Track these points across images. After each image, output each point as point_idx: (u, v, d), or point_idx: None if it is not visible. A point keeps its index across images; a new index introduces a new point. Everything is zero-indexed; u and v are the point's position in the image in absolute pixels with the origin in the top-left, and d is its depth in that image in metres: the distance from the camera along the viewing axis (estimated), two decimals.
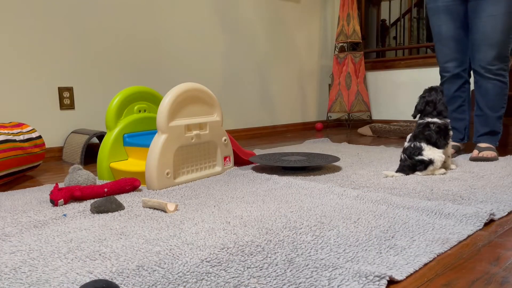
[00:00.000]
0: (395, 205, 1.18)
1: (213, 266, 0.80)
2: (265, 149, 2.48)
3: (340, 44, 3.73)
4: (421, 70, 3.52)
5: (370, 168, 1.77)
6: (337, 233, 0.97)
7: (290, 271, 0.77)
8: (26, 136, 1.76)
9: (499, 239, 0.95)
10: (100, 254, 0.87)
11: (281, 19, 3.48)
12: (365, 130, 3.24)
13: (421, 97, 1.74)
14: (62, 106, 2.31)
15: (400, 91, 3.67)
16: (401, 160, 1.65)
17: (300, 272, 0.77)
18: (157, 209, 1.21)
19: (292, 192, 1.37)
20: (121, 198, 1.36)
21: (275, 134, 3.47)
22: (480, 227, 1.01)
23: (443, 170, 1.63)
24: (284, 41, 3.53)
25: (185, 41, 2.84)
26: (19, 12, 2.14)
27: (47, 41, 2.24)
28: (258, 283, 0.73)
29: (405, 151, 1.65)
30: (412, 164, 1.61)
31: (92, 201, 1.33)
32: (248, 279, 0.74)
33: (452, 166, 1.73)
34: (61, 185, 1.59)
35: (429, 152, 1.60)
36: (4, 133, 1.66)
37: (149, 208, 1.23)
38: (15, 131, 1.74)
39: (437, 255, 0.85)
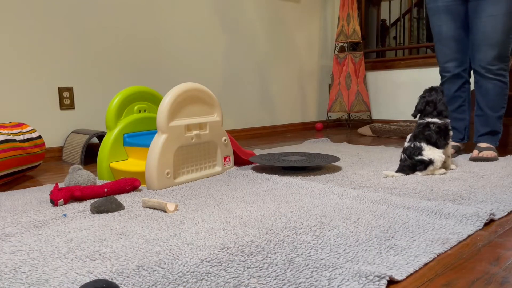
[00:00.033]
0: (395, 205, 1.18)
1: (213, 266, 0.80)
2: (265, 149, 2.48)
3: (340, 44, 3.73)
4: (421, 70, 3.52)
5: (370, 168, 1.77)
6: (337, 233, 0.97)
7: (290, 271, 0.77)
8: (26, 136, 1.76)
9: (499, 239, 0.95)
10: (100, 254, 0.87)
11: (281, 19, 3.48)
12: (365, 130, 3.24)
13: (421, 97, 1.74)
14: (62, 106, 2.31)
15: (400, 91, 3.67)
16: (401, 160, 1.65)
17: (300, 272, 0.77)
18: (157, 209, 1.21)
19: (292, 192, 1.37)
20: (121, 198, 1.36)
21: (275, 134, 3.47)
22: (480, 227, 1.01)
23: (443, 170, 1.63)
24: (284, 41, 3.53)
25: (185, 41, 2.84)
26: (19, 12, 2.14)
27: (47, 41, 2.24)
28: (258, 283, 0.73)
29: (405, 151, 1.65)
30: (412, 164, 1.61)
31: (92, 201, 1.33)
32: (248, 279, 0.74)
33: (452, 166, 1.74)
34: (61, 185, 1.59)
35: (429, 152, 1.60)
36: (4, 133, 1.66)
37: (149, 208, 1.23)
38: (15, 131, 1.74)
39: (437, 255, 0.85)
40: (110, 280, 0.74)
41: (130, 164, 1.65)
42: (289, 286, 0.72)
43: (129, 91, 1.74)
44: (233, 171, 1.72)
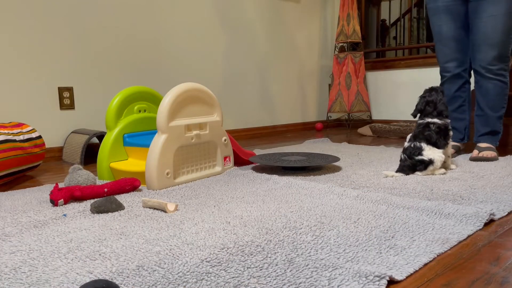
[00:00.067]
0: (395, 205, 1.18)
1: (213, 266, 0.80)
2: (265, 149, 2.48)
3: (340, 44, 3.73)
4: (421, 70, 3.52)
5: (370, 168, 1.77)
6: (337, 233, 0.97)
7: (290, 271, 0.77)
8: (26, 136, 1.76)
9: (499, 239, 0.95)
10: (100, 254, 0.87)
11: (281, 19, 3.48)
12: (365, 130, 3.24)
13: (422, 97, 1.74)
14: (62, 106, 2.31)
15: (400, 91, 3.67)
16: (401, 160, 1.65)
17: (300, 272, 0.77)
18: (157, 209, 1.21)
19: (292, 192, 1.37)
20: (121, 198, 1.36)
21: (275, 134, 3.47)
22: (480, 227, 1.01)
23: (443, 170, 1.63)
24: (284, 41, 3.53)
25: (185, 41, 2.84)
26: (19, 12, 2.14)
27: (47, 41, 2.24)
28: (258, 283, 0.73)
29: (405, 151, 1.65)
30: (412, 164, 1.61)
31: (92, 201, 1.33)
32: (248, 279, 0.74)
33: (452, 166, 1.74)
34: (61, 185, 1.59)
35: (429, 152, 1.60)
36: (4, 133, 1.66)
37: (149, 208, 1.23)
38: (15, 131, 1.74)
39: (437, 255, 0.85)
40: (110, 280, 0.74)
41: (130, 164, 1.65)
42: (289, 286, 0.72)
43: (129, 91, 1.74)
44: (233, 171, 1.72)
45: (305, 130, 3.75)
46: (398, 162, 1.70)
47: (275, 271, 0.77)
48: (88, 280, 0.75)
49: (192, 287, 0.72)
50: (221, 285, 0.73)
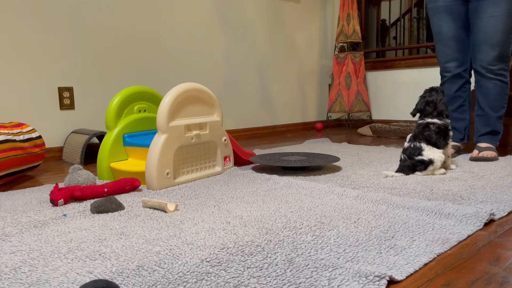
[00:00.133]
0: (395, 205, 1.18)
1: (213, 266, 0.80)
2: (265, 149, 2.48)
3: (340, 44, 3.73)
4: (421, 70, 3.52)
5: (370, 168, 1.77)
6: (337, 233, 0.97)
7: (290, 271, 0.77)
8: (26, 136, 1.76)
9: (499, 239, 0.95)
10: (100, 254, 0.87)
11: (281, 19, 3.48)
12: (365, 130, 3.24)
13: (422, 97, 1.74)
14: (62, 106, 2.31)
15: (400, 91, 3.67)
16: (401, 160, 1.65)
17: (300, 272, 0.77)
18: (157, 209, 1.21)
19: (292, 192, 1.37)
20: (121, 198, 1.36)
21: (275, 134, 3.47)
22: (480, 227, 1.01)
23: (443, 170, 1.63)
24: (284, 41, 3.53)
25: (185, 41, 2.84)
26: (19, 12, 2.14)
27: (47, 41, 2.24)
28: (258, 283, 0.73)
29: (405, 151, 1.65)
30: (412, 164, 1.61)
31: (92, 201, 1.33)
32: (248, 279, 0.74)
33: (452, 166, 1.74)
34: (61, 185, 1.59)
35: (429, 152, 1.60)
36: (4, 133, 1.66)
37: (149, 208, 1.23)
38: (15, 131, 1.74)
39: (437, 255, 0.85)
40: (110, 280, 0.74)
41: (130, 164, 1.65)
42: (289, 286, 0.72)
43: (129, 91, 1.74)
44: (233, 171, 1.72)
45: (305, 130, 3.75)
46: (398, 162, 1.70)
47: (275, 271, 0.77)
48: (88, 280, 0.75)
49: (192, 287, 0.72)
50: (221, 285, 0.73)
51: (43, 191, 1.49)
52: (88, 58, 2.39)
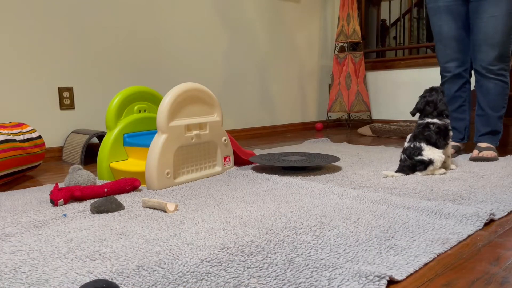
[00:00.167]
0: (395, 205, 1.18)
1: (213, 266, 0.80)
2: (265, 149, 2.48)
3: (340, 44, 3.73)
4: (421, 70, 3.52)
5: (370, 168, 1.77)
6: (337, 233, 0.97)
7: (290, 271, 0.77)
8: (26, 136, 1.76)
9: (499, 239, 0.95)
10: (100, 254, 0.87)
11: (281, 19, 3.48)
12: (365, 130, 3.24)
13: (422, 96, 1.74)
14: (62, 106, 2.31)
15: (400, 91, 3.67)
16: (401, 160, 1.65)
17: (300, 272, 0.77)
18: (157, 209, 1.21)
19: (292, 192, 1.37)
20: (121, 198, 1.36)
21: (275, 134, 3.47)
22: (480, 227, 1.01)
23: (443, 170, 1.63)
24: (284, 41, 3.53)
25: (185, 41, 2.84)
26: (19, 12, 2.14)
27: (47, 41, 2.24)
28: (258, 283, 0.73)
29: (405, 151, 1.65)
30: (412, 164, 1.61)
31: (92, 201, 1.33)
32: (248, 279, 0.74)
33: (452, 166, 1.74)
34: (61, 185, 1.59)
35: (429, 152, 1.60)
36: (4, 133, 1.66)
37: (149, 208, 1.23)
38: (15, 131, 1.74)
39: (437, 255, 0.85)
40: (110, 280, 0.74)
41: (130, 164, 1.65)
42: (289, 286, 0.72)
43: (129, 91, 1.74)
44: (233, 171, 1.71)
45: (305, 130, 3.75)
46: (398, 162, 1.70)
47: (275, 271, 0.77)
48: (88, 280, 0.75)
49: (192, 287, 0.72)
50: (221, 285, 0.73)
51: (43, 191, 1.49)
52: (88, 58, 2.39)
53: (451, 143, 1.77)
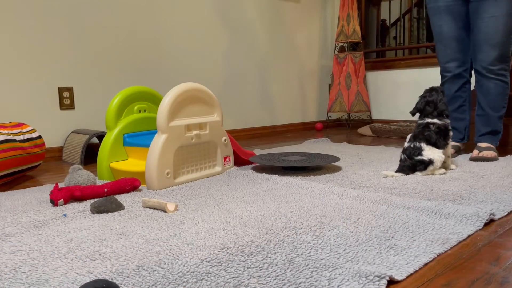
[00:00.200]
0: (395, 205, 1.18)
1: (213, 266, 0.80)
2: (265, 149, 2.48)
3: (340, 44, 3.73)
4: (421, 70, 3.52)
5: (370, 168, 1.77)
6: (337, 233, 0.97)
7: (290, 271, 0.77)
8: (26, 136, 1.76)
9: (499, 239, 0.95)
10: (100, 254, 0.87)
11: (281, 19, 3.48)
12: (365, 130, 3.24)
13: (422, 96, 1.74)
14: (62, 106, 2.31)
15: (400, 91, 3.67)
16: (401, 160, 1.65)
17: (300, 272, 0.77)
18: (157, 209, 1.21)
19: (292, 192, 1.37)
20: (121, 198, 1.36)
21: (275, 134, 3.47)
22: (480, 227, 1.01)
23: (443, 170, 1.63)
24: (284, 41, 3.53)
25: (185, 41, 2.84)
26: (19, 12, 2.14)
27: (47, 41, 2.24)
28: (258, 283, 0.73)
29: (405, 151, 1.65)
30: (412, 164, 1.61)
31: (92, 201, 1.33)
32: (248, 279, 0.74)
33: (452, 166, 1.74)
34: (61, 185, 1.59)
35: (429, 152, 1.60)
36: (4, 133, 1.66)
37: (149, 208, 1.23)
38: (15, 131, 1.74)
39: (437, 255, 0.85)
40: (110, 280, 0.74)
41: (130, 164, 1.65)
42: (289, 286, 0.72)
43: (129, 91, 1.74)
44: (233, 171, 1.72)
45: (305, 130, 3.75)
46: (398, 162, 1.70)
47: (275, 271, 0.77)
48: (88, 280, 0.75)
49: (192, 287, 0.72)
50: (221, 285, 0.73)
51: (43, 191, 1.49)
52: (88, 58, 2.39)
53: (451, 143, 1.77)
